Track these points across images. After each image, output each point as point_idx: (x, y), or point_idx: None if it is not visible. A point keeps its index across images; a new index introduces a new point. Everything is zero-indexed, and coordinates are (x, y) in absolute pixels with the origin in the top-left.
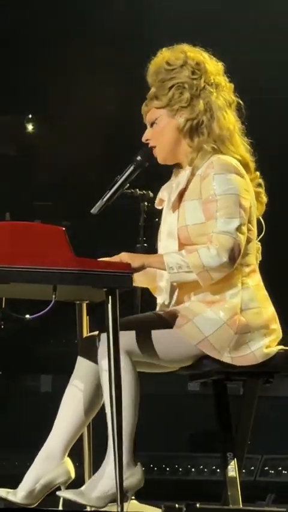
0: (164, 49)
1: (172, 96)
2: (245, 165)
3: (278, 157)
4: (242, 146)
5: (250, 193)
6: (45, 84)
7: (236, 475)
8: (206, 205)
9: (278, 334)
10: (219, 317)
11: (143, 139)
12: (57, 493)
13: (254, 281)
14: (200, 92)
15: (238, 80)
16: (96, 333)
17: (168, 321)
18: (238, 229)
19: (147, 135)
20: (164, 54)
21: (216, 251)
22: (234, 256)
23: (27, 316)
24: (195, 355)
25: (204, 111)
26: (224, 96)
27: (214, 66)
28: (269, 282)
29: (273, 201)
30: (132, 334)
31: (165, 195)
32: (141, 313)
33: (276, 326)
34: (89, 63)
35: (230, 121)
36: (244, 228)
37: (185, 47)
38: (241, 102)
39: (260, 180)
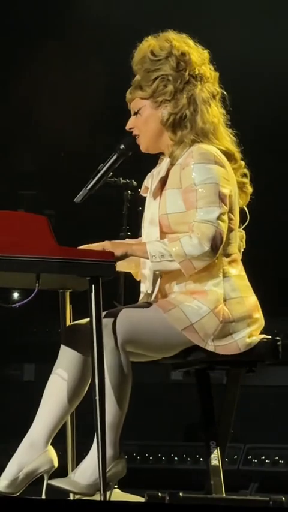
0: (149, 37)
1: (156, 88)
2: (230, 155)
3: (265, 149)
4: (226, 138)
5: (231, 183)
6: (29, 71)
7: (219, 464)
8: (186, 195)
9: (261, 323)
10: (206, 306)
11: (127, 127)
12: (48, 481)
13: (236, 270)
14: (184, 85)
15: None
16: (80, 321)
17: (156, 308)
18: (219, 218)
19: (131, 124)
20: (150, 42)
21: (198, 240)
22: (217, 244)
23: (12, 304)
24: (181, 343)
25: (187, 104)
26: (208, 88)
27: (199, 56)
28: (252, 271)
29: (259, 191)
30: (126, 326)
31: (150, 182)
32: (124, 302)
33: (259, 315)
34: (74, 53)
35: (214, 114)
36: (225, 217)
37: (171, 34)
38: (225, 93)
39: (245, 170)
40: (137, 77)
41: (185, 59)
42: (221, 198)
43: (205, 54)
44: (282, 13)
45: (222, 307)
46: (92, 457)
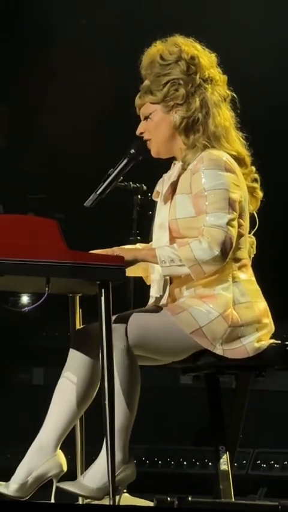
0: (157, 42)
1: (167, 92)
2: (240, 160)
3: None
4: (237, 141)
5: (241, 188)
6: (37, 74)
7: (228, 469)
8: (195, 200)
9: (270, 328)
10: (214, 310)
11: (137, 132)
12: (56, 484)
13: (246, 275)
14: (196, 89)
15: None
16: (89, 325)
17: (165, 312)
18: (229, 223)
19: (142, 128)
20: (158, 47)
21: (207, 244)
22: (226, 249)
23: (22, 309)
24: (190, 347)
25: (199, 108)
26: (218, 91)
27: (208, 59)
28: (263, 277)
29: (269, 196)
30: (134, 330)
31: (160, 187)
32: (134, 307)
33: (268, 320)
34: (81, 53)
35: (226, 117)
36: (235, 222)
37: (179, 39)
38: (235, 95)
39: (256, 175)
40: (146, 82)
41: (194, 63)
42: (231, 204)
43: (213, 57)
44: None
45: (231, 311)
46: (101, 461)
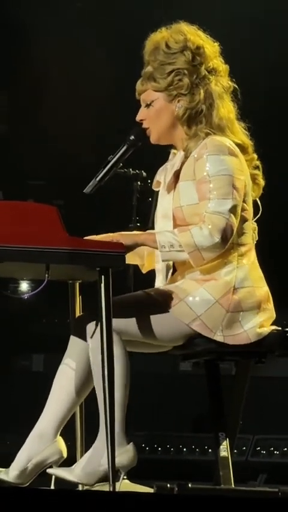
0: (162, 28)
1: (171, 81)
2: (243, 148)
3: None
4: (240, 131)
5: (244, 174)
6: (37, 60)
7: (227, 455)
8: (199, 186)
9: (271, 313)
10: (211, 295)
11: (137, 118)
12: (48, 470)
13: (249, 260)
14: (200, 80)
15: None
16: (89, 312)
17: (159, 300)
18: (231, 210)
19: (142, 115)
20: (163, 34)
21: (208, 231)
22: (227, 236)
23: (21, 295)
24: (187, 334)
25: (203, 99)
26: (222, 82)
27: (212, 49)
28: (263, 263)
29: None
30: (123, 313)
31: (162, 176)
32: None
33: (270, 306)
34: (80, 41)
35: (229, 109)
36: (237, 209)
37: (184, 27)
38: (236, 87)
39: (258, 162)
40: (149, 68)
41: (200, 53)
42: (235, 189)
43: (216, 47)
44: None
45: (230, 295)
46: (94, 447)
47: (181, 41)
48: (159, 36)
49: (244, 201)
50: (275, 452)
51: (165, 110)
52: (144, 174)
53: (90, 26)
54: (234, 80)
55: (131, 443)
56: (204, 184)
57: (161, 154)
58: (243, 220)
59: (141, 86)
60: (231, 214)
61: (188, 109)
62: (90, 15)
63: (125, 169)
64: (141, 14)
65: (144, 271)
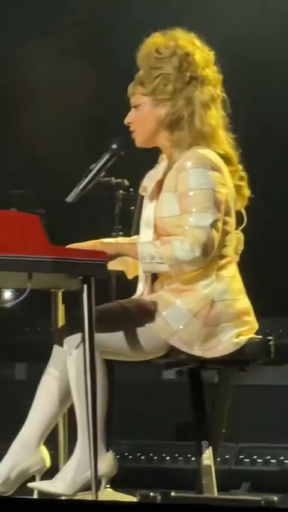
0: (156, 33)
1: (157, 86)
2: (227, 159)
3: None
4: (225, 141)
5: (227, 186)
6: (19, 67)
7: (211, 464)
8: (181, 199)
9: (252, 325)
10: (188, 309)
11: (125, 121)
12: (28, 484)
13: (230, 273)
14: (184, 86)
15: None
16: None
17: (137, 313)
18: (212, 224)
19: (130, 118)
20: (156, 39)
21: (189, 245)
22: (208, 251)
23: (4, 304)
24: (167, 346)
25: (185, 106)
26: (209, 90)
27: (203, 57)
28: (247, 273)
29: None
30: (101, 326)
31: (148, 182)
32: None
33: (250, 318)
34: (65, 49)
35: (213, 117)
36: (219, 223)
37: (178, 33)
38: (225, 96)
39: (243, 174)
40: (140, 72)
41: (188, 60)
42: (216, 204)
43: (210, 56)
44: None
45: (207, 310)
46: (74, 456)
47: (171, 47)
48: (152, 41)
49: (227, 214)
50: (258, 460)
51: (150, 114)
52: (127, 182)
53: (76, 34)
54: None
55: (110, 451)
56: (185, 198)
57: (144, 163)
58: (225, 233)
59: (131, 89)
60: (213, 229)
61: (169, 114)
62: (76, 23)
63: (108, 178)
64: (128, 21)
65: (130, 277)
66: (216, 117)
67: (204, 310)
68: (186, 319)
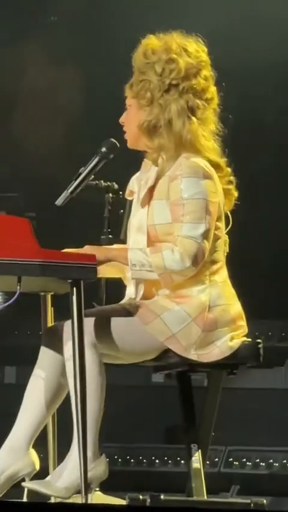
0: (151, 36)
1: (140, 90)
2: (216, 165)
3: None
4: (210, 149)
5: (218, 194)
6: (6, 71)
7: (200, 467)
8: (173, 208)
9: (244, 330)
10: (187, 314)
11: (120, 120)
12: (23, 483)
13: (222, 278)
14: (163, 93)
15: None
16: (60, 322)
17: (135, 314)
18: (204, 234)
19: (122, 119)
20: (148, 42)
21: (179, 255)
22: (198, 261)
23: None
24: (161, 348)
25: (161, 113)
26: (189, 98)
27: (191, 66)
28: (235, 276)
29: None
30: (98, 326)
31: (135, 187)
32: (106, 304)
33: (243, 323)
34: (52, 52)
35: (192, 125)
36: (210, 233)
37: (171, 38)
38: (216, 107)
39: (231, 178)
40: (134, 74)
41: (170, 67)
42: (208, 213)
43: (202, 63)
44: None
45: (205, 315)
46: (69, 459)
47: (158, 53)
48: (144, 43)
49: (217, 220)
50: (248, 463)
51: (135, 118)
52: (116, 186)
53: (64, 38)
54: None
55: (103, 454)
56: (178, 206)
57: (133, 166)
58: (216, 238)
59: (125, 90)
60: (204, 239)
61: (146, 121)
62: (64, 28)
63: (97, 181)
64: (116, 24)
65: (126, 282)
66: (195, 126)
67: (202, 316)
68: (185, 323)
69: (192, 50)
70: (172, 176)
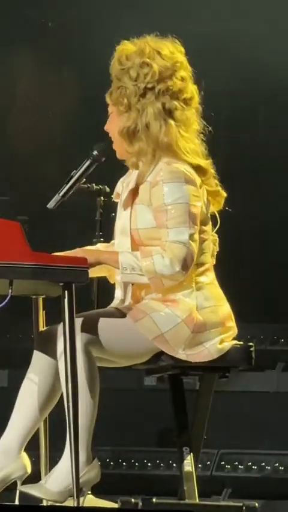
0: (126, 41)
1: (118, 97)
2: (198, 168)
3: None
4: (190, 152)
5: (200, 197)
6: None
7: (192, 470)
8: (156, 214)
9: (234, 331)
10: (176, 315)
11: (105, 128)
12: (19, 488)
13: (209, 279)
14: (139, 98)
15: None
16: (53, 326)
17: (126, 314)
18: (190, 238)
19: (106, 126)
20: (123, 47)
21: (169, 260)
22: (187, 265)
23: None
24: (152, 350)
25: (139, 118)
26: (166, 100)
27: (167, 67)
28: (227, 279)
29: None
30: (92, 330)
31: (121, 189)
32: (97, 307)
33: (232, 324)
34: (43, 52)
35: (169, 128)
36: (196, 236)
37: (145, 41)
38: (198, 105)
39: (216, 181)
40: (112, 82)
41: (144, 71)
42: (191, 218)
43: (176, 65)
44: None
45: (195, 316)
46: (63, 463)
47: (131, 58)
48: (119, 49)
49: (202, 223)
50: (240, 466)
51: (115, 125)
52: (108, 189)
53: (59, 46)
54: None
55: (95, 458)
56: (161, 213)
57: (125, 169)
58: (202, 240)
59: (107, 98)
60: (191, 242)
61: (125, 127)
62: (60, 34)
63: (88, 185)
64: (112, 31)
65: (112, 281)
66: (173, 129)
67: (191, 317)
68: (174, 322)
69: (166, 52)
70: (153, 182)
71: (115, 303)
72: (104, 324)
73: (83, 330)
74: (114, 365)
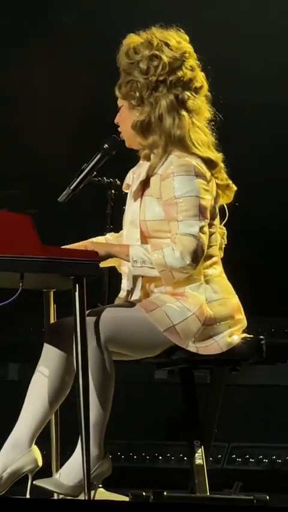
0: (132, 34)
1: (128, 91)
2: (208, 162)
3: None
4: (202, 144)
5: (211, 191)
6: (9, 70)
7: (203, 463)
8: (166, 207)
9: (243, 323)
10: (187, 309)
11: (115, 121)
12: (34, 482)
13: (217, 272)
14: (152, 91)
15: None
16: (63, 319)
17: (138, 306)
18: (201, 230)
19: (116, 119)
20: (131, 40)
21: (180, 253)
22: (198, 258)
23: None
24: (163, 344)
25: (152, 111)
26: (178, 92)
27: (174, 58)
28: (237, 272)
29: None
30: (110, 326)
31: (131, 180)
32: (108, 300)
33: (241, 316)
34: (53, 45)
35: (182, 121)
36: (205, 229)
37: (151, 33)
38: (209, 94)
39: (225, 176)
40: (120, 75)
41: (154, 64)
42: (201, 211)
43: (185, 55)
44: None
45: (205, 310)
46: (77, 457)
47: (140, 51)
48: (127, 42)
49: (211, 217)
50: (251, 460)
51: (127, 118)
52: (118, 182)
53: (74, 40)
54: None
55: (107, 452)
56: (171, 206)
57: (135, 162)
58: (210, 234)
59: (115, 91)
60: (201, 235)
61: (138, 121)
62: (74, 30)
63: (99, 178)
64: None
65: (121, 271)
66: (186, 121)
67: (202, 310)
68: (186, 315)
69: (173, 43)
70: (164, 175)
71: (122, 294)
72: (118, 317)
73: (100, 326)
74: (126, 358)
